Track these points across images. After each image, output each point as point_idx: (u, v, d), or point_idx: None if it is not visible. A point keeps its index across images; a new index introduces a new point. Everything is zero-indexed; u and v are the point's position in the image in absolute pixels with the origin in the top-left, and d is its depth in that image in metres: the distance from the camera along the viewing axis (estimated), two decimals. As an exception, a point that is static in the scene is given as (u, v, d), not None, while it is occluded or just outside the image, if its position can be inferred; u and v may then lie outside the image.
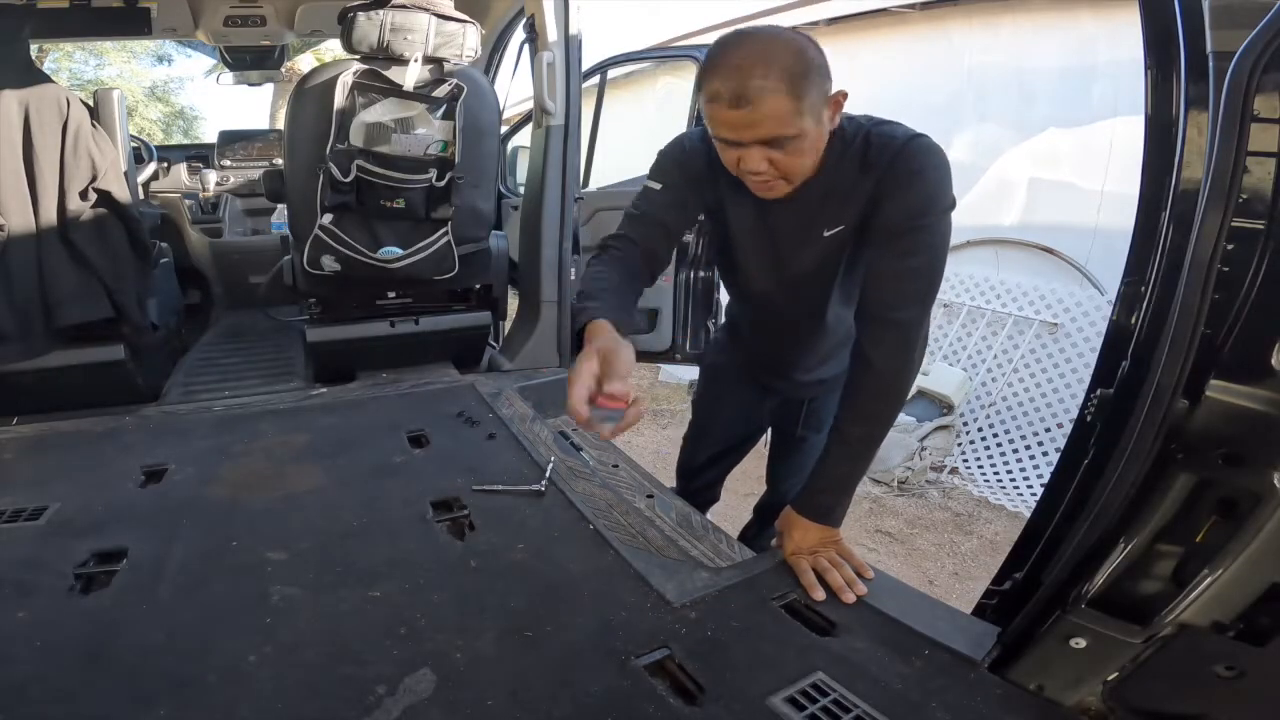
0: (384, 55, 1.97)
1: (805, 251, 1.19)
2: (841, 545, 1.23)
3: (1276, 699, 0.82)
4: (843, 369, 1.25)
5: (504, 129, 3.07)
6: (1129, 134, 3.70)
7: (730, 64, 0.96)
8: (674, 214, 1.21)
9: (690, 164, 1.20)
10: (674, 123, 3.19)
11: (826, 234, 1.15)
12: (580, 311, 1.06)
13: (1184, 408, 0.80)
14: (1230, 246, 0.76)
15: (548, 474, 1.56)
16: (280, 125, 3.99)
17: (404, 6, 1.94)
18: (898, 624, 1.09)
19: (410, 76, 1.97)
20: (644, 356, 3.13)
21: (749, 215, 1.19)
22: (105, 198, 1.94)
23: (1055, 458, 2.83)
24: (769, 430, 1.75)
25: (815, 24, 5.68)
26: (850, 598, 1.13)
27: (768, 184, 1.07)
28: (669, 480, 1.81)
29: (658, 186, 1.21)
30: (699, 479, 1.87)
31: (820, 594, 1.14)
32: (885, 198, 1.08)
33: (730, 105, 0.97)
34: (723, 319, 1.68)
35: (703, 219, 1.32)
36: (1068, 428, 2.67)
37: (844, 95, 1.03)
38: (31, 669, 0.98)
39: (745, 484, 3.44)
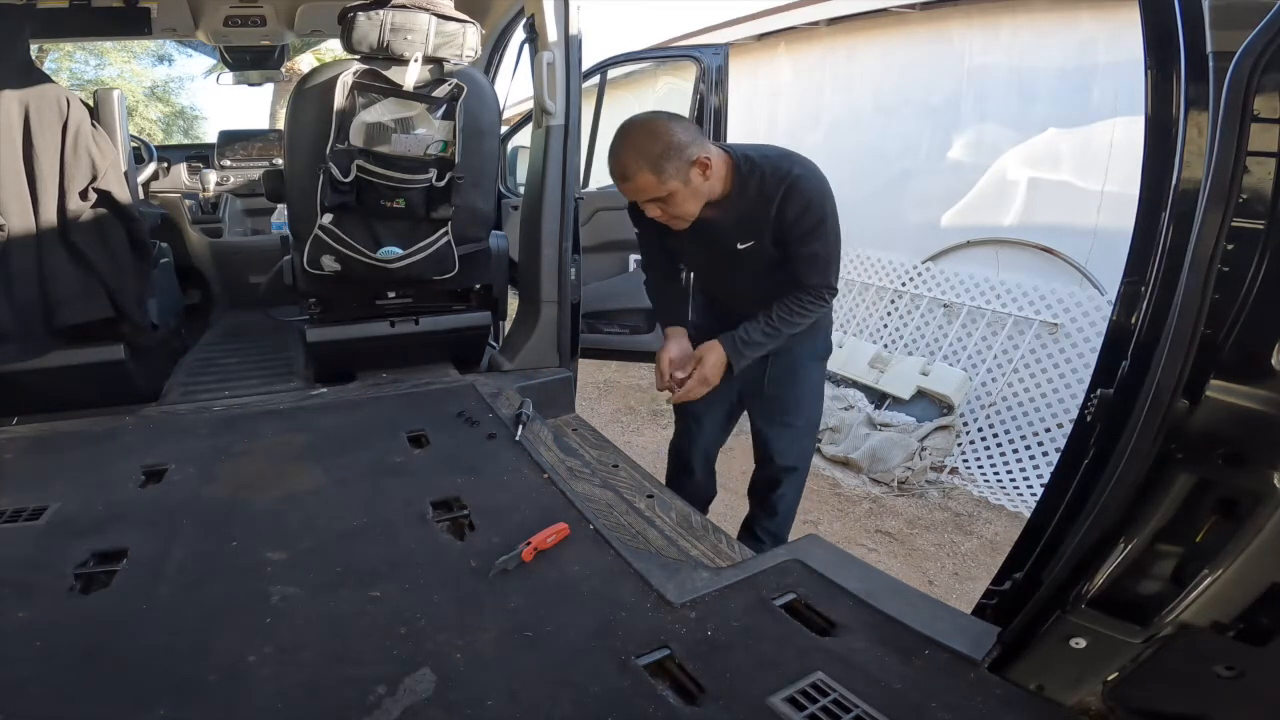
0: (384, 55, 1.97)
1: (728, 259, 1.60)
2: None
3: (1276, 699, 0.82)
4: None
5: (504, 129, 3.07)
6: (1129, 134, 3.70)
7: (616, 152, 1.46)
8: (653, 243, 1.76)
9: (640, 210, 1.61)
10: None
11: (740, 247, 1.57)
12: (663, 319, 1.80)
13: (1184, 408, 0.80)
14: (1230, 246, 0.76)
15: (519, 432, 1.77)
16: (280, 125, 3.99)
17: (404, 6, 1.94)
18: (898, 624, 1.09)
19: (410, 76, 1.97)
20: (644, 356, 3.13)
21: (685, 235, 1.61)
22: (105, 198, 1.94)
23: (1055, 458, 2.83)
24: (747, 414, 1.91)
25: (816, 24, 5.68)
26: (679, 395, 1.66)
27: (668, 221, 1.53)
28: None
29: (637, 230, 1.78)
30: (692, 473, 1.92)
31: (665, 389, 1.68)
32: (788, 222, 1.51)
33: (620, 179, 1.47)
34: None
35: None
36: (1068, 428, 2.67)
37: (707, 158, 1.45)
38: (31, 669, 0.98)
39: (745, 484, 3.44)
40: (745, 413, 1.93)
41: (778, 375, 1.77)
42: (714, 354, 1.62)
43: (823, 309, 1.63)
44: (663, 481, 1.68)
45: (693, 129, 1.47)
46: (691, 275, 1.97)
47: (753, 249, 1.56)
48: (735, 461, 3.67)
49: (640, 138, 1.42)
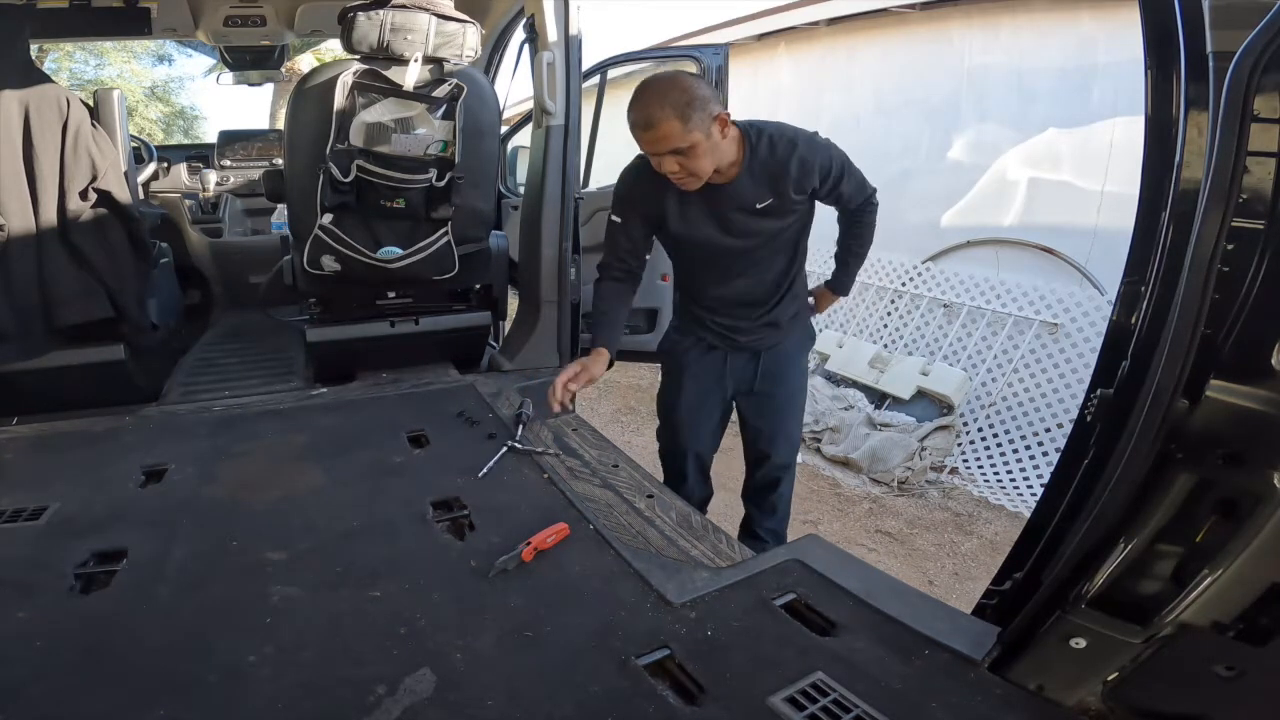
0: (384, 55, 1.97)
1: (745, 219, 1.60)
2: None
3: (1276, 699, 0.82)
4: (781, 315, 1.75)
5: (504, 129, 3.07)
6: (1129, 134, 3.70)
7: (641, 101, 1.42)
8: (635, 234, 1.68)
9: (639, 185, 1.62)
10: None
11: (759, 206, 1.58)
12: (595, 338, 1.68)
13: (1184, 408, 0.80)
14: (1230, 246, 0.76)
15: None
16: (280, 125, 3.99)
17: (404, 6, 1.94)
18: (898, 624, 1.09)
19: (410, 76, 1.97)
20: (644, 356, 3.12)
21: (697, 202, 1.59)
22: (105, 198, 1.94)
23: (1055, 458, 2.83)
24: (737, 413, 1.89)
25: (816, 24, 5.68)
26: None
27: (683, 180, 1.49)
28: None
29: (618, 220, 1.68)
30: (685, 479, 1.90)
31: None
32: (810, 167, 1.57)
33: (642, 129, 1.43)
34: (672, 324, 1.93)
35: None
36: (1068, 428, 2.67)
37: (727, 114, 1.46)
38: (31, 669, 0.98)
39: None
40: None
41: (770, 370, 1.78)
42: (828, 300, 1.94)
43: (876, 210, 1.78)
44: (662, 481, 1.68)
45: (709, 85, 1.53)
46: (673, 280, 1.91)
47: (773, 205, 1.58)
48: (736, 461, 3.67)
49: (666, 87, 1.42)
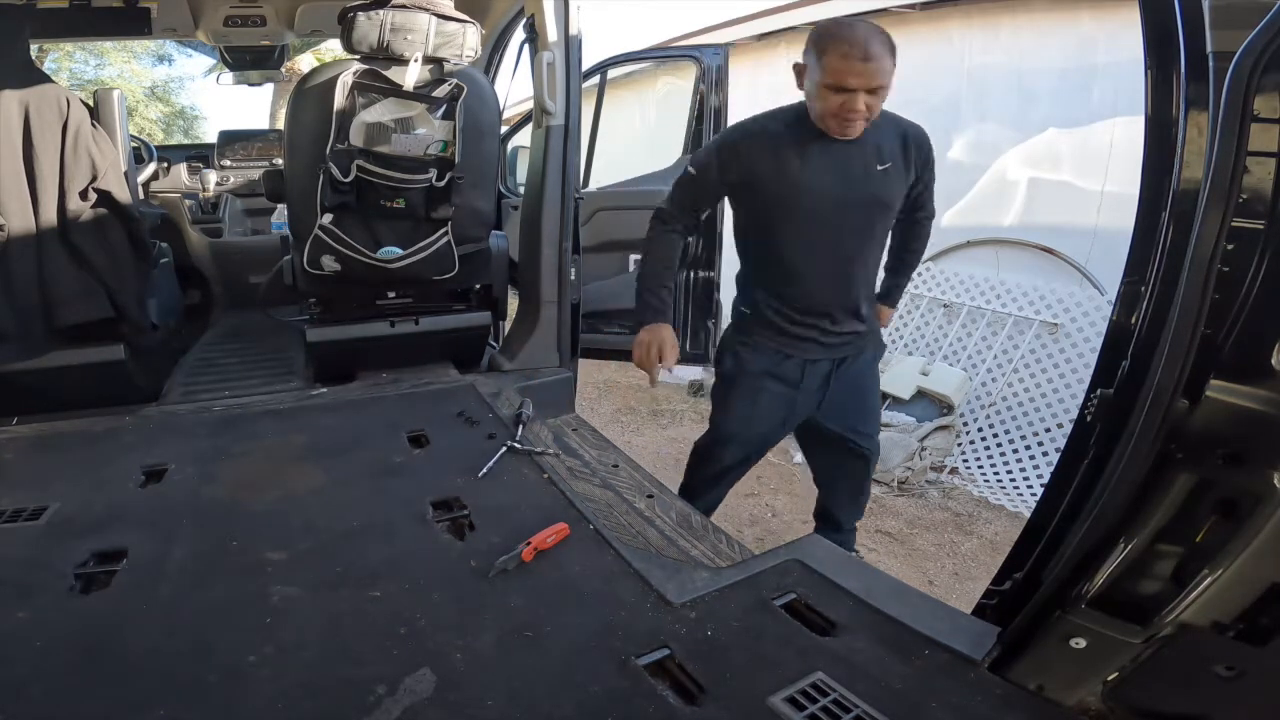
0: (384, 55, 1.97)
1: (866, 177, 1.58)
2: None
3: (1276, 699, 0.82)
4: (869, 311, 1.72)
5: (504, 129, 3.07)
6: (1129, 134, 3.70)
7: (857, 36, 1.41)
8: (715, 192, 1.69)
9: (751, 141, 1.59)
10: (674, 122, 3.19)
11: (879, 168, 1.58)
12: (645, 305, 1.69)
13: (1184, 408, 0.80)
14: (1230, 246, 0.76)
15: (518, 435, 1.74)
16: (280, 125, 3.99)
17: (404, 6, 1.94)
18: (898, 624, 1.09)
19: (410, 76, 1.97)
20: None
21: (816, 155, 1.55)
22: (105, 198, 1.94)
23: (1055, 458, 2.83)
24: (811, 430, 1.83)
25: (816, 24, 5.68)
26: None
27: (855, 123, 1.48)
28: (669, 480, 1.81)
29: (697, 173, 1.65)
30: (711, 493, 1.88)
31: None
32: (916, 146, 1.62)
33: (861, 60, 1.40)
34: (726, 320, 1.86)
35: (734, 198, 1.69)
36: (1068, 428, 2.67)
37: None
38: (31, 669, 0.98)
39: (745, 483, 3.43)
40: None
41: (849, 380, 1.76)
42: (888, 315, 1.92)
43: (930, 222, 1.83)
44: (662, 481, 1.68)
45: None
46: (755, 248, 1.73)
47: (889, 171, 1.59)
48: (735, 461, 3.66)
49: (874, 28, 1.43)
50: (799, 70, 1.53)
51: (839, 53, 1.41)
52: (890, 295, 1.92)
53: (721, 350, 1.82)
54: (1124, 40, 3.77)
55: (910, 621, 1.09)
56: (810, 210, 1.59)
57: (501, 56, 3.16)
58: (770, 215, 1.63)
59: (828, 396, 1.74)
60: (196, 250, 3.36)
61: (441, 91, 2.01)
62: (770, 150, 1.56)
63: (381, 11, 1.93)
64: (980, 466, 3.66)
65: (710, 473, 1.85)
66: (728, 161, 1.61)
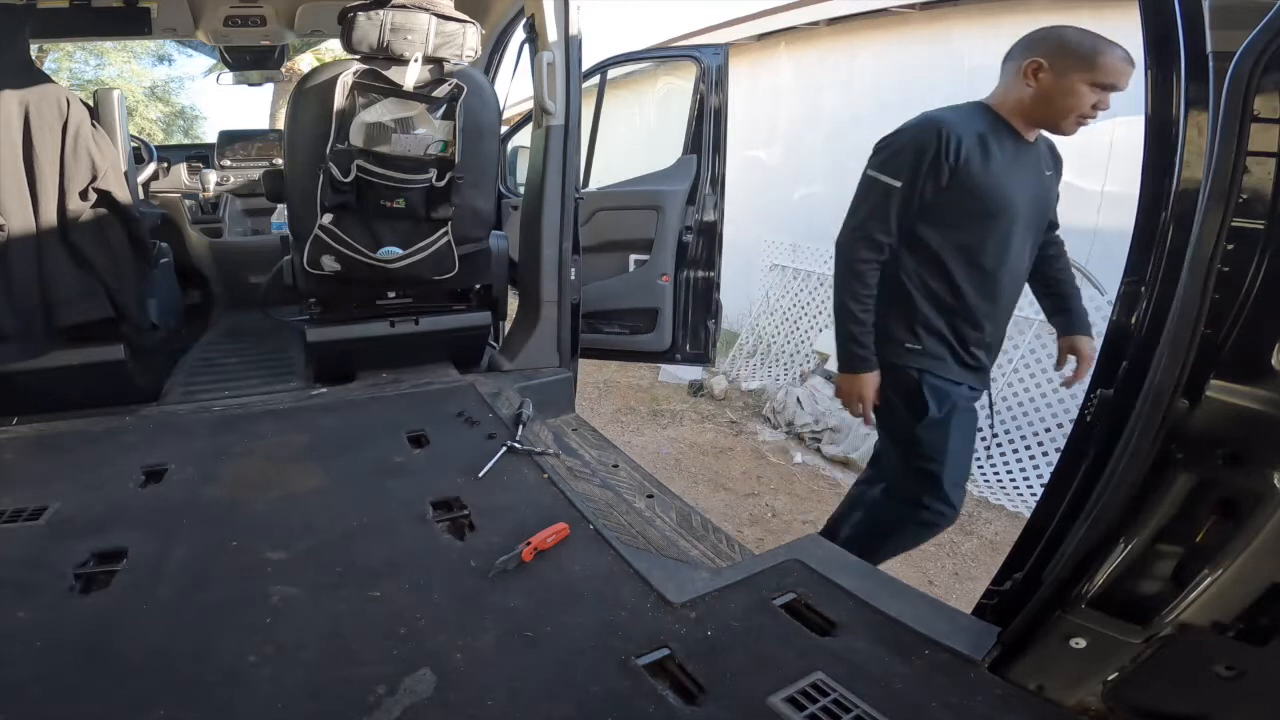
0: (384, 55, 1.97)
1: (1040, 187, 1.60)
2: None
3: (1276, 699, 0.82)
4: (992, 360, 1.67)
5: (504, 129, 3.07)
6: (1129, 134, 3.69)
7: (1119, 48, 1.45)
8: (905, 206, 1.50)
9: (957, 138, 1.45)
10: (674, 123, 3.18)
11: (1048, 173, 1.62)
12: (855, 354, 1.56)
13: (1184, 408, 0.80)
14: (1230, 246, 0.76)
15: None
16: (280, 125, 3.98)
17: (404, 6, 1.94)
18: (898, 624, 1.09)
19: (410, 76, 1.97)
20: (644, 356, 3.12)
21: (1013, 156, 1.52)
22: (105, 198, 1.94)
23: (1055, 458, 2.83)
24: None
25: (816, 24, 5.68)
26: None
27: (1083, 120, 1.51)
28: (669, 480, 1.80)
29: (896, 184, 1.47)
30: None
31: None
32: (1055, 153, 1.69)
33: (1131, 65, 1.45)
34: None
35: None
36: (1068, 428, 2.67)
37: None
38: (31, 669, 0.98)
39: (745, 483, 3.44)
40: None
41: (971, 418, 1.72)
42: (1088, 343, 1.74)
43: None
44: (662, 481, 1.67)
45: None
46: (950, 264, 1.55)
47: (1050, 182, 1.64)
48: (735, 462, 3.67)
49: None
50: (1033, 68, 1.46)
51: (1118, 55, 1.44)
52: (1083, 322, 1.77)
53: (909, 391, 1.59)
54: (1124, 40, 3.76)
55: (910, 621, 1.09)
56: (990, 221, 1.48)
57: (501, 56, 3.16)
58: (972, 223, 1.48)
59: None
60: (196, 250, 3.36)
61: (441, 91, 2.01)
62: (979, 147, 1.45)
63: (381, 11, 1.93)
64: (980, 466, 3.66)
65: (954, 486, 1.69)
66: (931, 166, 1.43)
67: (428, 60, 2.01)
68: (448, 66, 2.05)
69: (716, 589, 1.18)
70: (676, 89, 4.24)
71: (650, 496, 1.56)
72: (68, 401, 2.00)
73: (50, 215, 1.87)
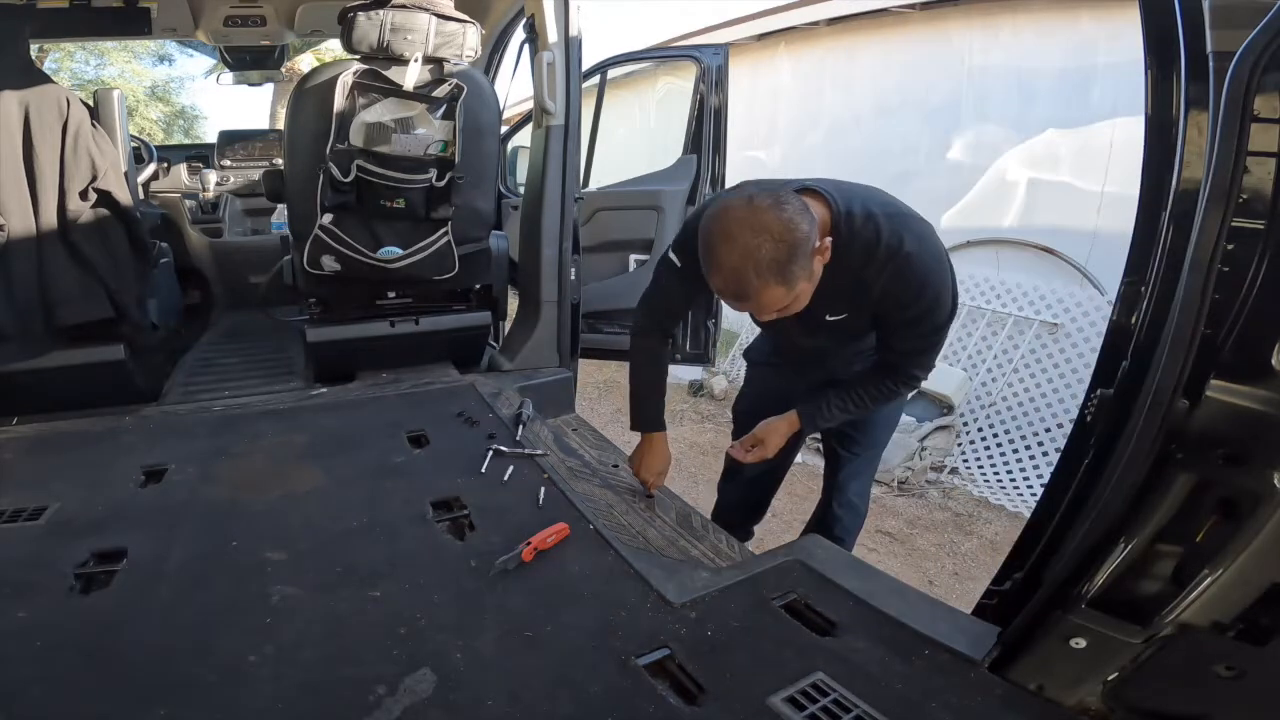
0: (384, 55, 1.97)
1: (810, 329, 1.40)
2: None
3: (1276, 699, 0.82)
4: (849, 365, 1.54)
5: (504, 129, 3.07)
6: (1129, 135, 3.70)
7: (725, 267, 1.11)
8: (690, 287, 1.41)
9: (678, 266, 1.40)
10: (674, 123, 3.19)
11: (830, 319, 1.35)
12: (642, 419, 1.60)
13: (1184, 408, 0.80)
14: (1230, 246, 0.76)
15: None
16: (280, 125, 3.98)
17: (404, 6, 1.94)
18: (898, 624, 1.09)
19: (410, 76, 1.97)
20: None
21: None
22: (105, 198, 1.94)
23: (1055, 458, 2.83)
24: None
25: (816, 24, 5.68)
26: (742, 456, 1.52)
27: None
28: (669, 480, 1.80)
29: (678, 264, 1.40)
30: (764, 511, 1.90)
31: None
32: (892, 304, 1.28)
33: (735, 300, 1.16)
34: (727, 320, 1.82)
35: None
36: (1068, 428, 2.67)
37: (827, 241, 1.17)
38: (31, 669, 0.98)
39: (745, 484, 3.43)
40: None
41: (845, 440, 1.73)
42: (776, 435, 1.48)
43: (913, 390, 1.48)
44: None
45: (801, 206, 1.13)
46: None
47: (844, 321, 1.36)
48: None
49: (755, 240, 1.07)
50: None
51: (712, 284, 1.17)
52: (813, 420, 1.50)
53: (752, 351, 1.81)
54: (1124, 40, 3.77)
55: (910, 621, 1.09)
56: (767, 327, 1.56)
57: (501, 56, 3.15)
58: None
59: None
60: (196, 250, 3.36)
61: (441, 91, 2.01)
62: None
63: (381, 11, 1.93)
64: (980, 466, 3.66)
65: (761, 497, 1.97)
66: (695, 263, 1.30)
67: (428, 60, 2.01)
68: (448, 66, 2.05)
69: (716, 589, 1.18)
70: (676, 89, 4.25)
71: (650, 496, 1.56)
72: (68, 401, 2.00)
73: (50, 215, 1.87)
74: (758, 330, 1.76)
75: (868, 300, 1.28)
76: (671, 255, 1.42)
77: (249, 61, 3.47)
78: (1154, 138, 1.20)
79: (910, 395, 1.52)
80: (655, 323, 1.56)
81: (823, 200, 1.23)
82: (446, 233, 2.11)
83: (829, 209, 1.23)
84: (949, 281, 1.28)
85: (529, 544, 1.25)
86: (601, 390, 4.74)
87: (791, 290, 1.13)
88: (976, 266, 4.38)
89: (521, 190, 2.68)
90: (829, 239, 1.18)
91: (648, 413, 1.60)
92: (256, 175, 3.43)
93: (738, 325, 5.59)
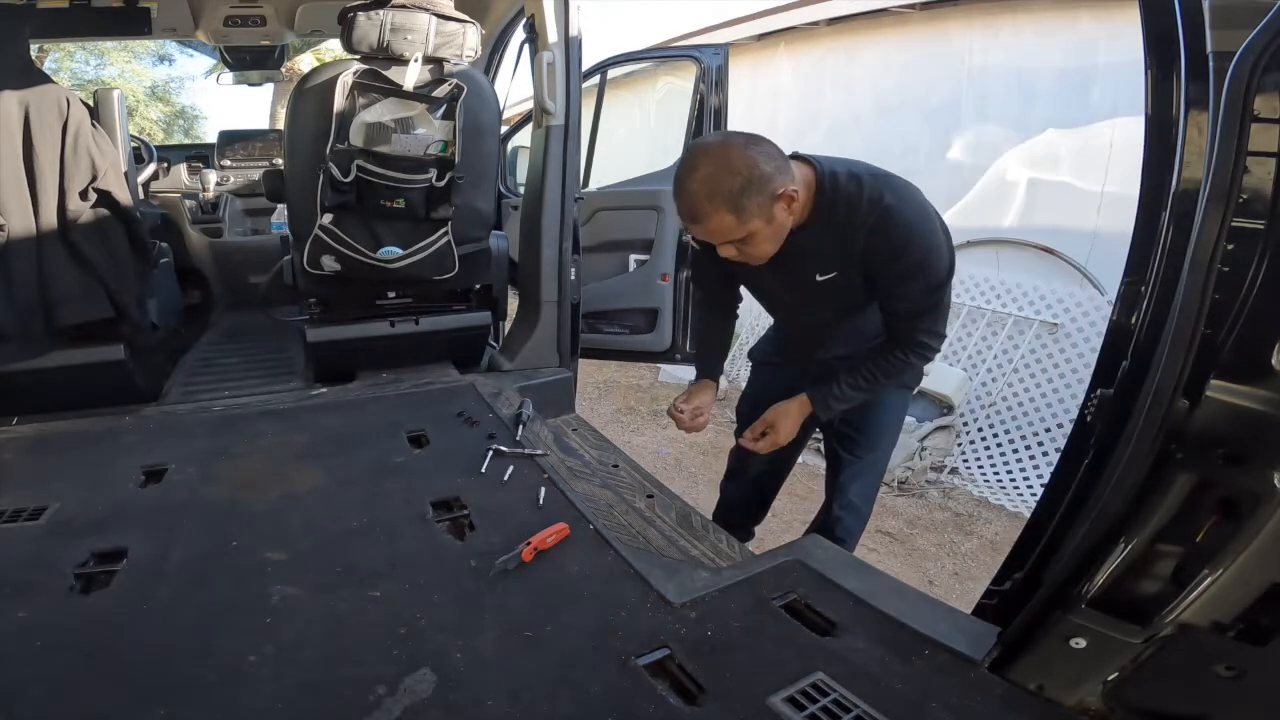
0: (384, 55, 1.97)
1: (805, 290, 1.41)
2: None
3: (1276, 699, 0.82)
4: (854, 347, 1.52)
5: (504, 129, 3.07)
6: (1129, 135, 3.70)
7: (685, 190, 1.20)
8: (713, 257, 1.39)
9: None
10: (674, 123, 3.19)
11: (820, 279, 1.37)
12: (697, 369, 1.67)
13: (1184, 408, 0.80)
14: (1230, 246, 0.76)
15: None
16: (280, 125, 3.99)
17: (404, 6, 1.94)
18: (898, 624, 1.09)
19: (410, 76, 1.97)
20: (644, 356, 3.12)
21: (750, 268, 1.38)
22: (105, 198, 1.94)
23: (1055, 458, 2.83)
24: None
25: (816, 24, 5.69)
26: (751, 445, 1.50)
27: (742, 260, 1.30)
28: (669, 480, 1.81)
29: (693, 249, 1.54)
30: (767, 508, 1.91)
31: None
32: (881, 259, 1.29)
33: (690, 221, 1.23)
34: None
35: None
36: (1068, 428, 2.67)
37: (794, 190, 1.22)
38: (31, 669, 0.98)
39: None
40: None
41: (844, 441, 1.71)
42: (788, 419, 1.46)
43: (927, 361, 1.42)
44: (662, 481, 1.67)
45: (775, 153, 1.21)
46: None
47: (835, 281, 1.35)
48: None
49: (715, 170, 1.16)
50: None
51: (676, 208, 1.24)
52: (826, 401, 1.47)
53: (756, 350, 1.84)
54: (1124, 40, 3.77)
55: (910, 621, 1.09)
56: (765, 297, 1.58)
57: (501, 56, 3.16)
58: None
59: None
60: (196, 250, 3.36)
61: (441, 91, 2.01)
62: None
63: (381, 11, 1.93)
64: (980, 466, 3.66)
65: (761, 496, 1.97)
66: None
67: (428, 60, 2.01)
68: (448, 66, 2.05)
69: (717, 589, 1.18)
70: (676, 89, 4.25)
71: (650, 496, 1.56)
72: (68, 401, 2.00)
73: (50, 215, 1.87)
74: (761, 331, 1.77)
75: (855, 255, 1.30)
76: (685, 236, 1.61)
77: (249, 61, 3.47)
78: (1154, 138, 1.20)
79: (916, 389, 1.57)
80: (704, 293, 1.76)
81: (809, 164, 1.30)
82: (446, 233, 2.11)
83: (814, 171, 1.29)
84: (939, 238, 1.30)
85: (529, 544, 1.25)
86: (601, 390, 4.74)
87: (743, 223, 1.19)
88: (976, 266, 4.38)
89: (521, 190, 2.68)
90: (795, 188, 1.22)
91: (701, 364, 1.70)
92: (256, 175, 3.43)
93: (739, 325, 5.59)
